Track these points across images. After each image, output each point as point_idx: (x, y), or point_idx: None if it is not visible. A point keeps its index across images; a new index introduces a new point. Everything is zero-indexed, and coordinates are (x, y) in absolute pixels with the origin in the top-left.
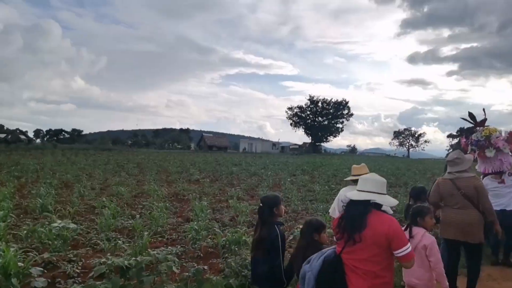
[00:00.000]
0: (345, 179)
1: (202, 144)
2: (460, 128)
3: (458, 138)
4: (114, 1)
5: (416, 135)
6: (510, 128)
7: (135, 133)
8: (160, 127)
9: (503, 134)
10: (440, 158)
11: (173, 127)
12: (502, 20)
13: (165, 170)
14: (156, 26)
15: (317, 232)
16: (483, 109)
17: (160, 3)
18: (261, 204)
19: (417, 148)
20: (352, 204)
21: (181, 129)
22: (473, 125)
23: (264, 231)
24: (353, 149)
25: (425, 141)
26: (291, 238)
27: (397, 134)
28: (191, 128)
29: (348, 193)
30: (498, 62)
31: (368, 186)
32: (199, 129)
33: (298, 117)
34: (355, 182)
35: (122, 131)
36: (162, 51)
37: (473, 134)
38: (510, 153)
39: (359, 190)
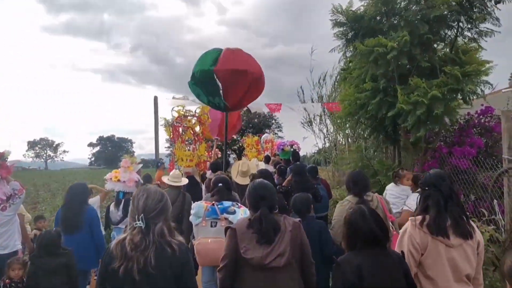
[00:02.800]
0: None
1: None
2: (100, 136)
3: (99, 147)
4: None
5: (54, 145)
6: None
7: None
8: None
9: None
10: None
11: None
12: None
13: None
14: None
15: None
16: None
17: None
18: None
19: (55, 158)
20: None
21: None
22: None
23: None
24: None
25: (64, 151)
26: None
27: (32, 145)
28: None
29: None
30: None
31: None
32: None
33: None
34: None
35: None
36: None
37: None
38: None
39: None
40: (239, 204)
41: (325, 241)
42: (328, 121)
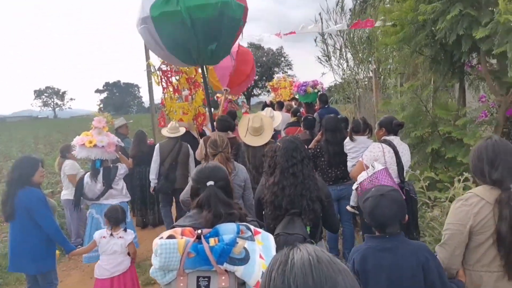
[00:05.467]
0: None
1: None
2: (106, 82)
3: (106, 93)
4: None
5: (60, 93)
6: None
7: None
8: None
9: None
10: (91, 114)
11: None
12: None
13: None
14: None
15: None
16: None
17: None
18: None
19: (63, 106)
20: None
21: None
22: None
23: None
24: None
25: (71, 99)
26: None
27: (39, 94)
28: None
29: None
30: None
31: None
32: None
33: None
34: None
35: None
36: None
37: None
38: None
39: None
40: (251, 227)
41: (432, 285)
42: (349, 55)
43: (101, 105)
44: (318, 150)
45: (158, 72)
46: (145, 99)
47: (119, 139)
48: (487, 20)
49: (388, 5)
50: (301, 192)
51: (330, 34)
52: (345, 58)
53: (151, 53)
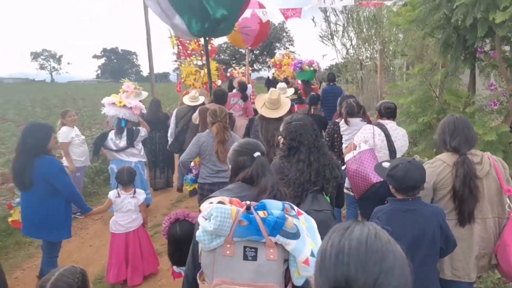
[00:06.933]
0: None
1: None
2: (104, 48)
3: (103, 59)
4: None
5: (57, 57)
6: None
7: None
8: None
9: None
10: (89, 80)
11: None
12: None
13: None
14: None
15: None
16: None
17: None
18: None
19: (60, 70)
20: None
21: None
22: None
23: None
24: None
25: (68, 63)
26: None
27: (35, 56)
28: None
29: None
30: None
31: None
32: None
33: None
34: None
35: None
36: None
37: None
38: None
39: None
40: (295, 207)
41: (446, 238)
42: (352, 34)
43: (98, 71)
44: (334, 127)
45: (175, 37)
46: (143, 67)
47: (144, 106)
48: (506, 4)
49: None
50: (324, 162)
51: (335, 11)
52: (348, 37)
53: (150, 21)
